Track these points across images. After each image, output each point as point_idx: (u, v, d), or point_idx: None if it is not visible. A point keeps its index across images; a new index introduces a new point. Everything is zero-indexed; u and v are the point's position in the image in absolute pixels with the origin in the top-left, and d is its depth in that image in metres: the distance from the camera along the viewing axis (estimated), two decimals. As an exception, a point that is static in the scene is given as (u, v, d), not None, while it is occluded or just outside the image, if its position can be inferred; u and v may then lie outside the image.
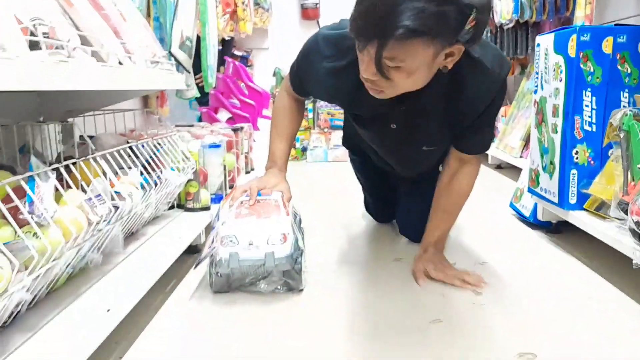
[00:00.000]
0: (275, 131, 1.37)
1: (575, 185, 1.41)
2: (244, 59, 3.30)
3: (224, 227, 1.15)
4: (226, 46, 2.42)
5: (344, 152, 2.10)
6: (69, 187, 0.92)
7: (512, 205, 1.88)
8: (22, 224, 0.77)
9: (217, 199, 1.64)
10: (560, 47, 1.38)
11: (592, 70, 1.34)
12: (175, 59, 1.41)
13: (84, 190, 0.97)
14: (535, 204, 1.67)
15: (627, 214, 1.08)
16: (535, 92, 1.56)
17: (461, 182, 1.30)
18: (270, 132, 1.40)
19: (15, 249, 0.71)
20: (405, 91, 1.03)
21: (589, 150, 1.38)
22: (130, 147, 1.19)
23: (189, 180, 1.49)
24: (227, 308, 1.12)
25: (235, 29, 2.18)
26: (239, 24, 2.16)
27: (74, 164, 0.95)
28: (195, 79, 1.63)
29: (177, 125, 2.11)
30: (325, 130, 3.55)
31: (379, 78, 0.96)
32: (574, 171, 1.40)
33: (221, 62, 2.42)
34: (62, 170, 0.88)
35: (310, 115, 3.64)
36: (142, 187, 1.16)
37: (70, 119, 1.38)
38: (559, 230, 1.63)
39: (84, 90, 0.96)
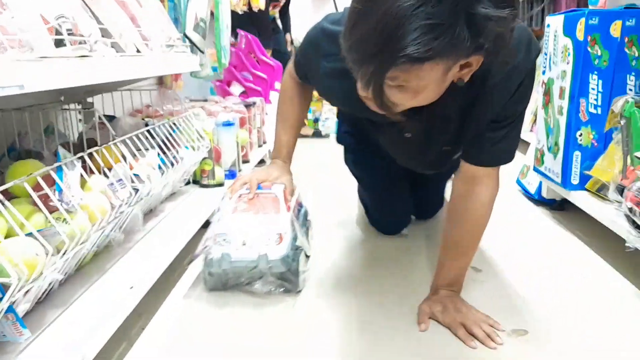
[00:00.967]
0: (281, 119, 1.30)
1: (578, 167, 1.44)
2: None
3: (219, 223, 1.12)
4: (241, 19, 2.43)
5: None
6: (91, 172, 0.99)
7: (518, 181, 1.92)
8: (51, 210, 0.84)
9: (230, 174, 1.71)
10: (569, 30, 1.39)
11: (599, 53, 1.35)
12: (190, 41, 1.45)
13: (105, 174, 1.03)
14: (540, 182, 1.71)
15: (623, 198, 1.12)
16: (544, 72, 1.58)
17: (472, 211, 1.04)
18: (275, 119, 1.33)
19: (48, 234, 0.78)
20: (410, 107, 0.85)
21: (593, 133, 1.41)
22: (148, 130, 1.25)
23: (203, 158, 1.55)
24: (218, 309, 1.09)
25: (248, 4, 2.20)
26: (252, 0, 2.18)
27: (97, 151, 1.01)
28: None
29: (191, 100, 2.16)
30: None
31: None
32: (577, 153, 1.43)
33: (234, 35, 2.44)
34: (86, 157, 0.95)
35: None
36: (160, 167, 1.22)
37: (89, 99, 1.44)
38: (562, 208, 1.67)
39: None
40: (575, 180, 1.45)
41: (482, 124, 0.97)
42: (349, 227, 1.58)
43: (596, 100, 1.38)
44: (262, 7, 2.30)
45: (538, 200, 1.75)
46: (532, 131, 2.57)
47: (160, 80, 2.07)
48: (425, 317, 1.02)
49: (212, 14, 1.61)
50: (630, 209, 1.05)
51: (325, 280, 1.22)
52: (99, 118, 1.20)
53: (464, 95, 0.91)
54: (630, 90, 1.36)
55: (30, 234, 0.75)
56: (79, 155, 0.93)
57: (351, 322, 1.03)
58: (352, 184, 1.59)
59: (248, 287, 1.12)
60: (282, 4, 3.35)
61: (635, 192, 1.03)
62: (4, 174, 0.96)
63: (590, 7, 2.01)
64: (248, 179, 1.22)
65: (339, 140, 1.50)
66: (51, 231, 0.78)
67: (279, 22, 3.46)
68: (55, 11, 0.87)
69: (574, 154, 1.44)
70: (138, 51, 1.12)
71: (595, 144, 1.41)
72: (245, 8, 2.21)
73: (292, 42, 3.70)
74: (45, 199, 0.83)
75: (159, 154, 1.26)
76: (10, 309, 0.70)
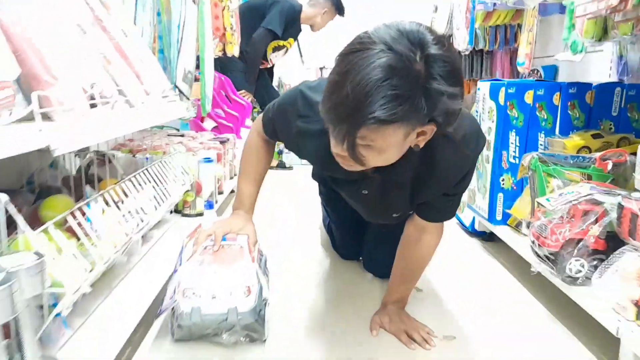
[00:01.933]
0: (245, 172, 1.37)
1: (502, 206, 1.76)
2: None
3: (187, 277, 1.13)
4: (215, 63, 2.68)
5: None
6: (107, 204, 1.20)
7: (457, 216, 2.24)
8: (79, 237, 1.05)
9: (209, 205, 1.93)
10: (493, 95, 1.73)
11: (516, 115, 1.69)
12: (180, 91, 1.68)
13: (117, 206, 1.25)
14: (474, 217, 2.02)
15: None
16: (476, 126, 1.91)
17: (419, 252, 1.28)
18: (239, 170, 1.39)
19: (84, 256, 0.99)
20: (375, 166, 1.00)
21: (513, 179, 1.73)
22: (147, 169, 1.47)
23: (186, 190, 1.77)
24: None
25: (224, 50, 2.46)
26: (227, 46, 2.44)
27: (112, 188, 1.23)
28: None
29: (168, 135, 2.38)
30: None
31: (348, 155, 0.93)
32: (500, 194, 1.75)
33: (208, 76, 2.68)
34: (105, 194, 1.16)
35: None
36: (154, 199, 1.44)
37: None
38: (491, 239, 1.99)
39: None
40: (499, 216, 1.77)
41: (433, 196, 1.17)
42: (304, 264, 1.71)
43: (515, 152, 1.72)
44: (236, 54, 2.56)
45: (472, 232, 2.06)
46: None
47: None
48: (376, 325, 1.28)
49: (197, 66, 1.86)
50: (533, 242, 1.35)
51: (287, 325, 1.29)
52: (107, 158, 1.41)
53: (417, 168, 1.08)
54: (541, 145, 1.70)
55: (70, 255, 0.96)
56: (101, 192, 1.15)
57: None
58: (312, 213, 1.78)
59: (215, 338, 1.14)
60: (269, 66, 3.54)
61: (536, 228, 1.34)
62: (34, 205, 1.16)
63: (518, 67, 2.40)
64: (212, 231, 1.23)
65: (314, 177, 1.65)
66: (87, 254, 1.00)
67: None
68: (87, 78, 1.10)
69: (498, 195, 1.76)
70: (142, 103, 1.36)
71: (514, 188, 1.74)
72: (220, 53, 2.46)
73: (280, 86, 3.90)
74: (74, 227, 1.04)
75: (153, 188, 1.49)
76: (58, 314, 0.91)
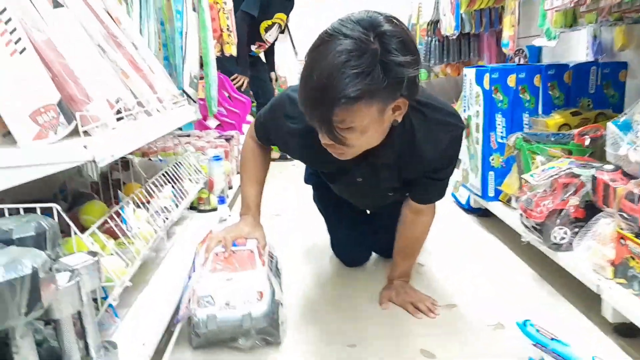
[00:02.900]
0: (246, 177, 1.42)
1: (493, 183, 1.90)
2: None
3: (200, 285, 1.17)
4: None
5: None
6: (137, 206, 1.33)
7: (453, 195, 2.37)
8: (115, 236, 1.19)
9: (221, 200, 2.06)
10: (479, 81, 1.85)
11: (501, 99, 1.81)
12: (187, 95, 1.80)
13: (143, 206, 1.38)
14: (469, 195, 2.16)
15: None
16: (465, 110, 2.03)
17: (416, 230, 1.41)
18: (240, 177, 1.45)
19: (124, 253, 1.12)
20: (364, 149, 1.09)
21: (501, 157, 1.86)
22: (166, 171, 1.59)
23: (200, 188, 1.90)
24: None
25: (221, 50, 2.57)
26: (224, 46, 2.55)
27: (140, 190, 1.36)
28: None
29: (175, 136, 2.50)
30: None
31: (336, 143, 1.02)
32: (491, 173, 1.89)
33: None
34: (134, 196, 1.29)
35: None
36: (174, 197, 1.58)
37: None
38: (486, 214, 2.13)
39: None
40: (491, 193, 1.91)
41: (418, 175, 1.25)
42: (314, 262, 1.74)
43: (502, 132, 1.85)
44: (234, 54, 2.67)
45: (468, 209, 2.20)
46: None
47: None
48: (384, 299, 1.42)
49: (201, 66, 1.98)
50: (521, 214, 1.49)
51: (301, 325, 1.32)
52: (129, 162, 1.54)
53: (399, 150, 1.17)
54: (526, 124, 1.84)
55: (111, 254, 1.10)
56: (131, 196, 1.28)
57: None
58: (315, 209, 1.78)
59: (232, 343, 1.18)
60: (267, 46, 3.59)
61: (523, 202, 1.48)
62: (72, 211, 1.29)
63: (503, 49, 2.51)
64: (222, 237, 1.27)
65: (307, 180, 1.72)
66: (125, 251, 1.13)
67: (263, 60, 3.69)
68: (111, 93, 1.22)
69: (489, 174, 1.89)
70: (158, 111, 1.48)
71: (504, 166, 1.87)
72: (218, 54, 2.57)
73: (276, 80, 3.95)
74: (110, 228, 1.18)
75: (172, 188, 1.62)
76: (110, 304, 1.04)
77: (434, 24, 3.41)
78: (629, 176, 1.24)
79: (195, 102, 1.91)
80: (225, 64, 2.94)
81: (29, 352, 0.71)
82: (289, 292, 1.47)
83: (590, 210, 1.36)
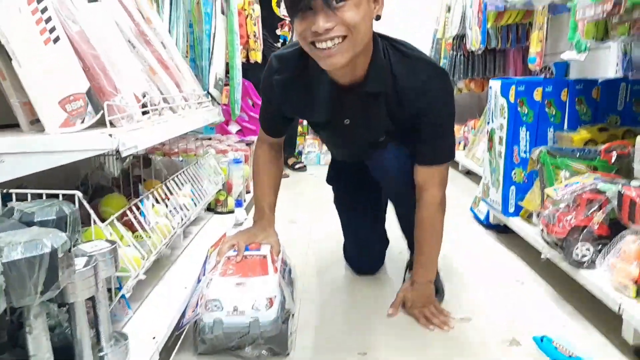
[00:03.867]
0: (260, 183, 1.44)
1: (514, 198, 1.87)
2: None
3: (209, 288, 1.14)
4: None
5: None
6: (156, 201, 1.34)
7: (471, 209, 2.34)
8: (134, 229, 1.20)
9: (238, 203, 2.07)
10: (504, 93, 1.83)
11: (526, 112, 1.79)
12: (212, 97, 1.83)
13: (161, 201, 1.39)
14: (488, 210, 2.13)
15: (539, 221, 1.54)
16: (488, 123, 2.01)
17: (426, 210, 1.31)
18: (253, 183, 1.46)
19: (141, 246, 1.13)
20: (355, 46, 1.11)
21: (524, 172, 1.84)
22: (186, 170, 1.61)
23: (219, 190, 1.92)
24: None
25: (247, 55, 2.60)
26: (250, 52, 2.58)
27: (159, 187, 1.37)
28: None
29: (197, 138, 2.53)
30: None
31: (332, 21, 1.06)
32: (512, 187, 1.86)
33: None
34: (155, 192, 1.31)
35: (305, 122, 4.07)
36: (193, 199, 1.59)
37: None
38: (506, 231, 2.09)
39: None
40: (511, 209, 1.88)
41: (405, 117, 1.24)
42: (327, 270, 1.71)
43: (525, 147, 1.82)
44: (259, 61, 2.70)
45: (487, 225, 2.17)
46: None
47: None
48: (396, 307, 1.38)
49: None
50: (542, 229, 1.46)
51: (311, 333, 1.29)
52: (150, 160, 1.56)
53: (384, 92, 1.22)
54: (550, 139, 1.81)
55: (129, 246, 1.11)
56: (151, 190, 1.29)
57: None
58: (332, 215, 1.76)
59: (238, 352, 1.14)
60: (288, 22, 3.42)
61: (545, 217, 1.45)
62: (92, 203, 1.31)
63: (529, 65, 2.49)
64: (235, 241, 1.26)
65: (328, 180, 1.72)
66: (142, 244, 1.14)
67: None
68: (138, 88, 1.24)
69: (510, 189, 1.86)
70: (182, 109, 1.50)
71: (526, 181, 1.84)
72: (244, 60, 2.61)
73: None
74: (129, 220, 1.19)
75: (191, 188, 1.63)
76: (123, 295, 1.05)
77: (460, 38, 3.40)
78: (656, 194, 1.21)
79: (219, 104, 1.93)
80: (249, 70, 2.98)
81: (42, 332, 0.71)
82: (300, 299, 1.46)
83: (614, 228, 1.32)
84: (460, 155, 3.32)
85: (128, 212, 1.13)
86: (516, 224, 1.83)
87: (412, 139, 1.28)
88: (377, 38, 1.23)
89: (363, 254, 1.67)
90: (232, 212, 1.97)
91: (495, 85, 1.90)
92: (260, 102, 2.82)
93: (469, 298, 1.50)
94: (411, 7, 4.12)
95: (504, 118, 1.84)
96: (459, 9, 3.28)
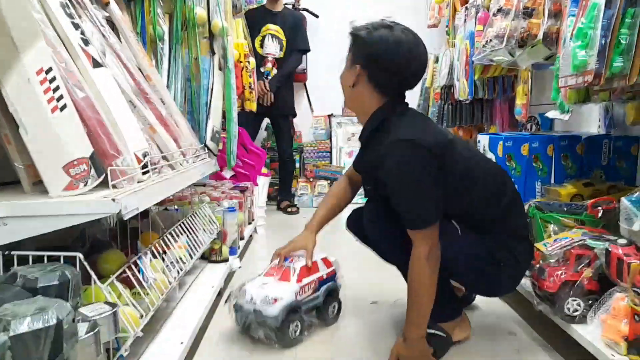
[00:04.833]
0: (323, 200, 1.67)
1: (505, 248, 1.90)
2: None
3: (250, 282, 1.53)
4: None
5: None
6: (154, 255, 1.36)
7: (463, 257, 2.37)
8: (131, 286, 1.20)
9: (232, 250, 2.08)
10: (492, 148, 1.89)
11: (514, 166, 1.85)
12: (209, 149, 1.86)
13: (158, 256, 1.40)
14: (479, 258, 2.16)
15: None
16: (478, 174, 2.07)
17: (412, 265, 1.32)
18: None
19: (139, 303, 1.14)
20: (348, 100, 1.48)
21: (514, 223, 1.88)
22: (182, 222, 1.63)
23: (213, 239, 1.93)
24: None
25: (242, 106, 2.67)
26: (245, 102, 2.65)
27: (157, 242, 1.39)
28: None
29: (193, 185, 2.56)
30: (311, 179, 4.03)
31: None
32: (503, 238, 1.89)
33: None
34: (153, 248, 1.32)
35: (297, 165, 4.13)
36: (189, 250, 1.60)
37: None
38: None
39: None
40: (503, 258, 1.91)
41: (382, 185, 1.35)
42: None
43: (514, 199, 1.87)
44: (254, 109, 2.76)
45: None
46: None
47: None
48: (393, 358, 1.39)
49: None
50: (533, 283, 1.49)
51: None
52: (150, 214, 1.58)
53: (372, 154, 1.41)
54: (538, 192, 1.86)
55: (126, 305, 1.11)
56: (149, 246, 1.31)
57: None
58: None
59: (249, 331, 1.50)
60: (272, 60, 3.58)
61: (536, 271, 1.48)
62: (90, 258, 1.31)
63: (516, 115, 2.58)
64: (279, 252, 1.59)
65: (348, 227, 1.69)
66: (140, 302, 1.15)
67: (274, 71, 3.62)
68: (139, 148, 1.27)
69: (501, 239, 1.90)
70: (181, 164, 1.54)
71: (516, 231, 1.88)
72: (239, 109, 2.67)
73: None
74: (127, 277, 1.20)
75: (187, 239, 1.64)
76: (121, 355, 1.05)
77: (448, 88, 3.51)
78: (642, 251, 1.25)
79: (215, 155, 1.97)
80: (242, 118, 3.04)
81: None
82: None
83: (604, 283, 1.35)
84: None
85: (127, 270, 1.14)
86: (507, 274, 1.85)
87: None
88: (380, 111, 1.41)
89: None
90: (226, 260, 1.98)
91: (483, 140, 1.96)
92: (252, 148, 2.85)
93: (461, 346, 1.51)
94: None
95: (493, 171, 1.89)
96: (446, 61, 3.40)
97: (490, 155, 1.89)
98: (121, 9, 1.73)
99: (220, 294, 1.86)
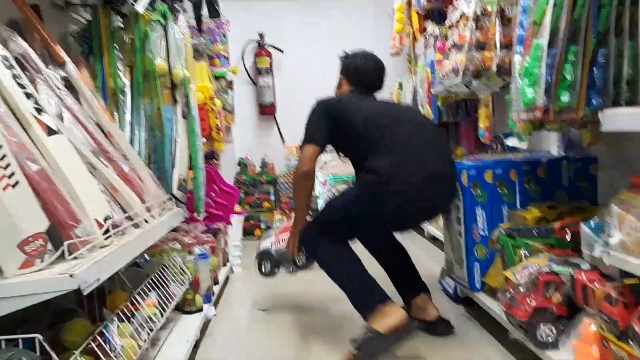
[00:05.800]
0: (305, 202, 1.98)
1: (479, 274, 1.91)
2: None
3: (269, 236, 2.29)
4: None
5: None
6: (120, 319, 1.32)
7: (440, 282, 2.38)
8: (98, 358, 1.17)
9: (207, 298, 2.05)
10: (457, 177, 1.92)
11: (480, 194, 1.88)
12: (176, 199, 1.85)
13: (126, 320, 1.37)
14: (455, 285, 2.17)
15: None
16: (446, 203, 2.09)
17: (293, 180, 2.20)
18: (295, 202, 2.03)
19: (106, 375, 1.11)
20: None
21: (485, 249, 1.90)
22: (151, 278, 1.60)
23: (186, 289, 1.90)
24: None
25: (210, 147, 2.66)
26: (214, 144, 2.65)
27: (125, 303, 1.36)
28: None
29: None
30: (287, 211, 4.02)
31: None
32: (477, 264, 1.91)
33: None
34: (119, 312, 1.29)
35: (273, 197, 4.12)
36: (160, 306, 1.57)
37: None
38: (475, 303, 2.12)
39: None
40: (478, 284, 1.92)
41: None
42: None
43: (483, 225, 1.89)
44: (223, 150, 2.76)
45: (455, 298, 2.20)
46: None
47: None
48: None
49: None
50: (505, 312, 1.50)
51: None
52: (117, 274, 1.54)
53: None
54: (505, 217, 1.89)
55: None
56: (116, 311, 1.28)
57: None
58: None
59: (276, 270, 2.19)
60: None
61: (507, 300, 1.50)
62: (54, 329, 1.28)
63: (480, 138, 2.63)
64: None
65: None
66: (108, 373, 1.12)
67: None
68: (100, 212, 1.25)
69: (474, 265, 1.91)
70: (146, 221, 1.51)
71: (488, 257, 1.90)
72: (208, 151, 2.66)
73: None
74: (95, 347, 1.17)
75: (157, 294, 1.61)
76: None
77: (414, 112, 3.57)
78: (606, 276, 1.28)
79: (184, 203, 1.95)
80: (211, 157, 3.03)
81: None
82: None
83: (573, 307, 1.37)
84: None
85: (92, 342, 1.11)
86: (483, 299, 1.86)
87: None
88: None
89: None
90: (200, 309, 1.94)
91: (448, 167, 1.99)
92: (224, 188, 2.84)
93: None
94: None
95: (459, 200, 1.92)
96: (410, 88, 3.46)
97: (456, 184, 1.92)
98: (79, 64, 1.72)
99: (197, 346, 1.83)
